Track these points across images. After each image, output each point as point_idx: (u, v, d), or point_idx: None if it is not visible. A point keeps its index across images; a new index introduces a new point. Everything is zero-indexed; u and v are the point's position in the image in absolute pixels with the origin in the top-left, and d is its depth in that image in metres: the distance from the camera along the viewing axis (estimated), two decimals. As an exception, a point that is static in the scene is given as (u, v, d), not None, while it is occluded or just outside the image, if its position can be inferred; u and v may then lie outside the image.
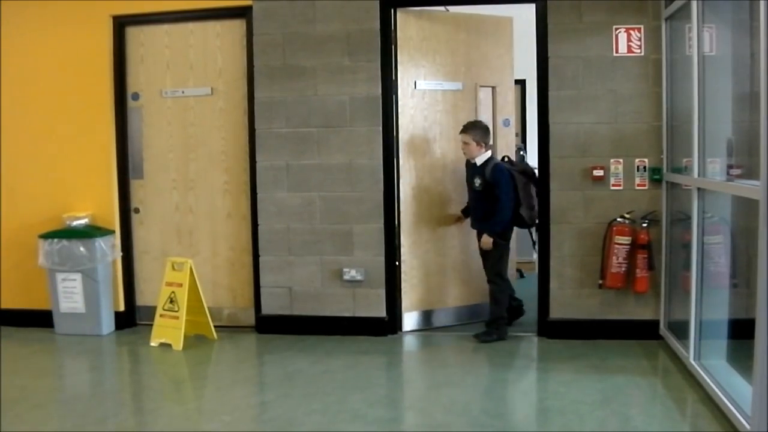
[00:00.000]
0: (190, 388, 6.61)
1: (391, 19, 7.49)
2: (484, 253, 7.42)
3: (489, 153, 7.37)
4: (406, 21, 7.58)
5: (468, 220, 7.73)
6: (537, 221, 7.48)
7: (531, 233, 7.88)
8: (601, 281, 7.19)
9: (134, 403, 6.20)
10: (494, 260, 7.39)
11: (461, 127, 7.39)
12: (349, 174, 7.50)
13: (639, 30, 7.09)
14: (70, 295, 7.87)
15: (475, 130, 7.32)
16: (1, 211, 8.23)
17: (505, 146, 8.12)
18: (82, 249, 7.73)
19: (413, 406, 5.85)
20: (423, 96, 7.67)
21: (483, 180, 7.25)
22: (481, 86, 8.01)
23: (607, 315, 7.26)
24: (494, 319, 7.42)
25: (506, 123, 8.13)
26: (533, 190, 7.49)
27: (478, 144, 7.28)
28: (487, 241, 7.27)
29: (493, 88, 8.09)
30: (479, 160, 7.32)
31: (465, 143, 7.34)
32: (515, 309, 7.89)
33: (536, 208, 7.46)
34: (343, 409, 5.62)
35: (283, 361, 6.83)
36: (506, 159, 7.64)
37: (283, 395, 5.99)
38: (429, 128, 7.73)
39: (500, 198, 7.16)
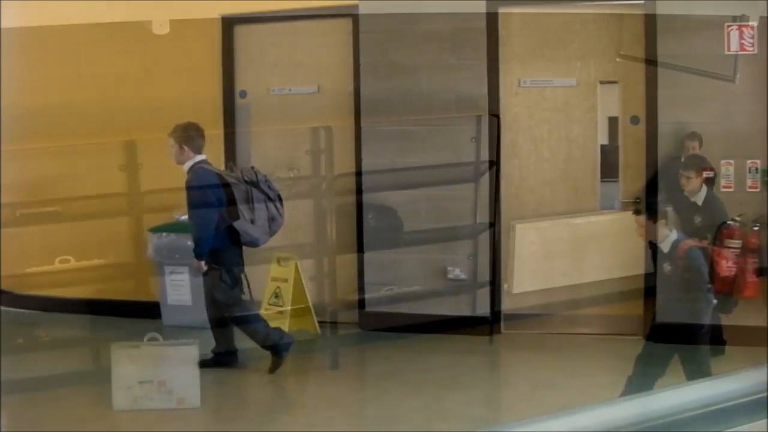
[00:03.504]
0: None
1: (496, 16, 7.44)
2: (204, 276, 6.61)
3: (200, 157, 6.49)
4: (510, 18, 7.50)
5: None
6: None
7: None
8: (708, 285, 7.02)
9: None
10: (209, 286, 6.57)
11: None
12: (453, 172, 7.48)
13: (752, 28, 6.90)
14: (177, 288, 8.04)
15: (179, 132, 6.48)
16: (115, 205, 8.46)
17: (632, 146, 7.55)
18: (189, 243, 7.89)
19: (512, 407, 5.84)
20: (528, 94, 7.59)
21: None
22: (603, 82, 7.62)
23: (714, 319, 7.08)
24: (266, 345, 6.53)
25: (634, 121, 7.47)
26: (266, 203, 6.51)
27: (181, 148, 6.42)
28: (197, 265, 6.45)
29: (618, 83, 7.60)
30: (186, 167, 6.46)
31: (171, 146, 6.51)
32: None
33: (274, 224, 6.59)
34: (442, 408, 5.65)
35: (385, 358, 6.87)
36: (230, 165, 6.85)
37: (383, 392, 6.05)
38: (534, 127, 7.61)
39: (189, 208, 6.39)
